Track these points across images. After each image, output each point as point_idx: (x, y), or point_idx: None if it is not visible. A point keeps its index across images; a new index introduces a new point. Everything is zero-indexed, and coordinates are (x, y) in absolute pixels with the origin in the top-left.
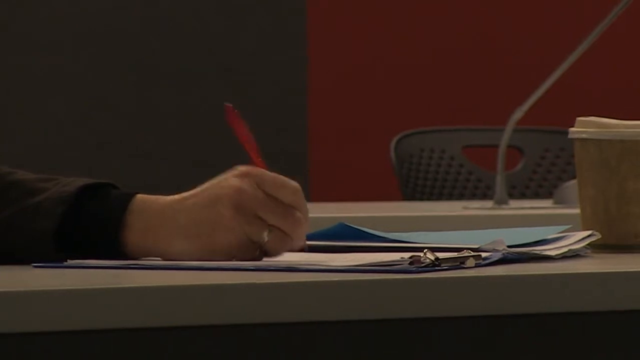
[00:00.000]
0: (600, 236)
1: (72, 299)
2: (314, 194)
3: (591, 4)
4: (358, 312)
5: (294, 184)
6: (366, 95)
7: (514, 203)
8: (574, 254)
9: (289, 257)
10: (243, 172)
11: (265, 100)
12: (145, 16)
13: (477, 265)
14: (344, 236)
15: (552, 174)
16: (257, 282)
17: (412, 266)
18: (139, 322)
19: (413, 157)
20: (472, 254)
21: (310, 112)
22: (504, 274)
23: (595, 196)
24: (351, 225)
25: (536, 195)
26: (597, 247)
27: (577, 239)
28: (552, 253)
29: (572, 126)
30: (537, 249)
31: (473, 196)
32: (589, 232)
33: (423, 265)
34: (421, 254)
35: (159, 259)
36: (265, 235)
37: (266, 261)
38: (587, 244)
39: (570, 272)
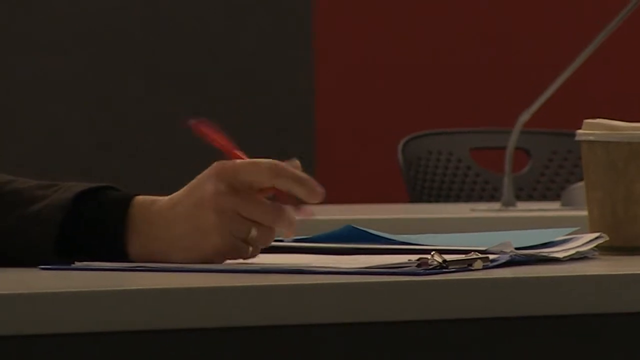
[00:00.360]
0: (607, 238)
1: (78, 301)
2: None
3: (599, 6)
4: (365, 315)
5: (267, 161)
6: (374, 97)
7: (521, 205)
8: (582, 256)
9: (296, 259)
10: (217, 171)
11: (272, 101)
12: (148, 16)
13: (484, 268)
14: (351, 238)
15: (560, 176)
16: (264, 284)
17: (420, 268)
18: (144, 324)
19: (421, 160)
20: (480, 256)
21: (317, 114)
22: (512, 276)
23: (602, 198)
24: (359, 227)
25: (544, 198)
26: (605, 249)
27: (584, 241)
28: (560, 255)
29: (580, 128)
30: (545, 251)
31: (480, 198)
32: (596, 234)
33: (431, 267)
34: (429, 256)
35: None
36: (253, 233)
37: (273, 263)
38: (595, 246)
39: (577, 274)
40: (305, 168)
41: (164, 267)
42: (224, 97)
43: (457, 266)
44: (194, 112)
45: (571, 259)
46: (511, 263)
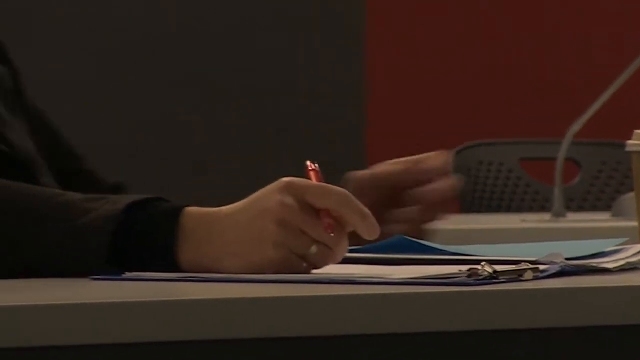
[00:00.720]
0: None
1: (129, 312)
2: None
3: None
4: (416, 325)
5: (340, 190)
6: (424, 108)
7: (571, 216)
8: (632, 266)
9: (347, 270)
10: (286, 185)
11: (323, 114)
12: (197, 33)
13: (535, 278)
14: (402, 249)
15: (610, 186)
16: (315, 294)
17: (470, 279)
18: (195, 334)
19: (471, 170)
20: (530, 266)
21: (368, 126)
22: (562, 286)
23: None
24: (410, 238)
25: (594, 208)
26: None
27: (635, 251)
28: (610, 266)
29: (630, 139)
30: (595, 262)
31: (531, 209)
32: None
33: (481, 278)
34: (479, 267)
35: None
36: (313, 250)
37: (323, 274)
38: None
39: (627, 284)
40: None
41: (214, 277)
42: (274, 111)
43: (507, 277)
44: (243, 127)
45: (621, 269)
46: (562, 274)
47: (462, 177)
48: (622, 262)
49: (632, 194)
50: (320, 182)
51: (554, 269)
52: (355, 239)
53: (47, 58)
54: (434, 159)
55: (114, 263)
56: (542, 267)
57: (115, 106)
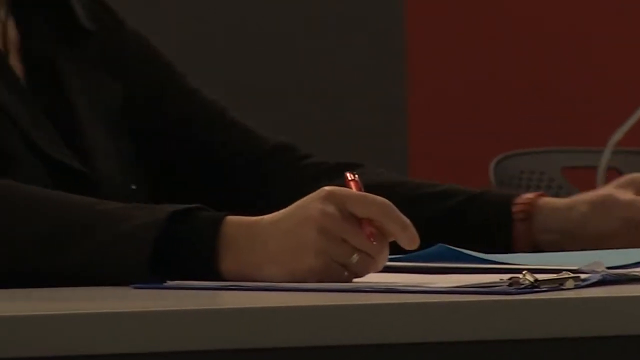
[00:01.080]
0: None
1: (171, 320)
2: None
3: None
4: (456, 334)
5: (381, 199)
6: (465, 117)
7: None
8: None
9: (388, 278)
10: (327, 194)
11: (365, 124)
12: (238, 35)
13: (576, 287)
14: (443, 257)
15: None
16: (356, 303)
17: (511, 288)
18: (236, 343)
19: (512, 179)
20: (571, 275)
21: (410, 135)
22: (603, 295)
23: None
24: (450, 246)
25: None
26: None
27: None
28: None
29: None
30: (636, 271)
31: None
32: None
33: (522, 286)
34: (520, 276)
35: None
36: (354, 258)
37: (364, 282)
38: None
39: None
40: None
41: (255, 286)
42: (316, 118)
43: (548, 285)
44: (285, 132)
45: None
46: (602, 282)
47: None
48: None
49: None
50: (360, 191)
51: (595, 277)
52: (395, 247)
53: None
54: None
55: (155, 271)
56: (583, 276)
57: None
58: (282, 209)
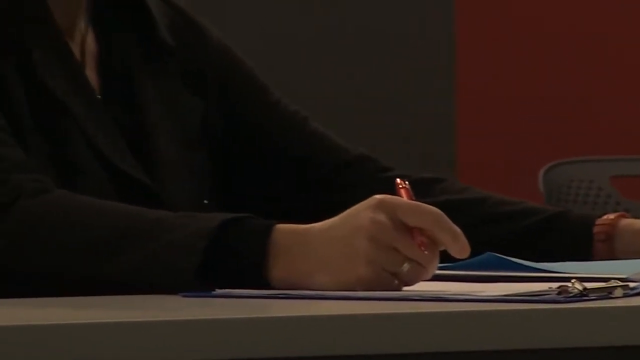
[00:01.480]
0: None
1: (221, 329)
2: None
3: None
4: (505, 342)
5: (433, 209)
6: (514, 125)
7: None
8: None
9: (437, 287)
10: (378, 202)
11: (413, 131)
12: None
13: (625, 295)
14: (492, 266)
15: None
16: (405, 311)
17: (560, 296)
18: (287, 351)
19: (561, 187)
20: (620, 283)
21: (458, 143)
22: None
23: None
24: (499, 255)
25: None
26: None
27: None
28: None
29: None
30: None
31: None
32: None
33: (571, 295)
34: (569, 284)
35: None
36: (405, 267)
37: (413, 291)
38: None
39: None
40: None
41: (305, 294)
42: (365, 128)
43: (597, 294)
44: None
45: None
46: None
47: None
48: None
49: None
50: (410, 199)
51: None
52: (444, 255)
53: None
54: None
55: (205, 279)
56: (632, 284)
57: None
58: None
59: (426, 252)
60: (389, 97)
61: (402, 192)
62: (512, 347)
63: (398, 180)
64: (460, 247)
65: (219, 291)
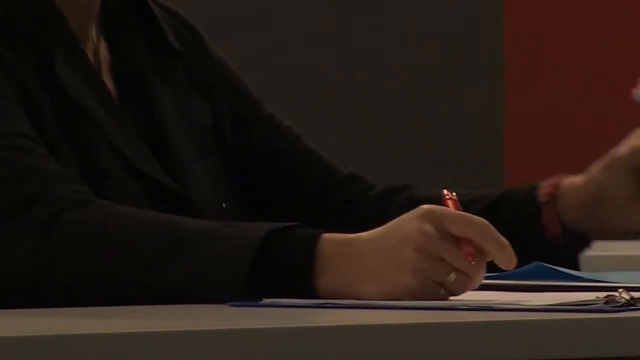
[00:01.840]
0: None
1: (269, 338)
2: None
3: None
4: (553, 352)
5: (480, 219)
6: (560, 134)
7: None
8: None
9: (484, 296)
10: (425, 212)
11: (462, 136)
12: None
13: None
14: (539, 275)
15: None
16: (453, 321)
17: (608, 306)
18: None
19: None
20: None
21: (506, 153)
22: None
23: None
24: (546, 264)
25: None
26: None
27: None
28: None
29: None
30: None
31: None
32: None
33: (618, 304)
34: (616, 294)
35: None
36: (452, 277)
37: (460, 300)
38: None
39: None
40: None
41: (352, 304)
42: (411, 134)
43: None
44: (383, 150)
45: None
46: None
47: None
48: None
49: None
50: (457, 209)
51: None
52: (490, 265)
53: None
54: None
55: (251, 289)
56: None
57: None
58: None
59: (473, 263)
60: (439, 105)
61: (449, 202)
62: (559, 357)
63: (445, 191)
64: (507, 257)
65: (266, 300)
